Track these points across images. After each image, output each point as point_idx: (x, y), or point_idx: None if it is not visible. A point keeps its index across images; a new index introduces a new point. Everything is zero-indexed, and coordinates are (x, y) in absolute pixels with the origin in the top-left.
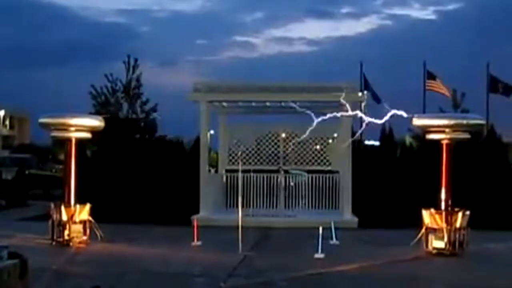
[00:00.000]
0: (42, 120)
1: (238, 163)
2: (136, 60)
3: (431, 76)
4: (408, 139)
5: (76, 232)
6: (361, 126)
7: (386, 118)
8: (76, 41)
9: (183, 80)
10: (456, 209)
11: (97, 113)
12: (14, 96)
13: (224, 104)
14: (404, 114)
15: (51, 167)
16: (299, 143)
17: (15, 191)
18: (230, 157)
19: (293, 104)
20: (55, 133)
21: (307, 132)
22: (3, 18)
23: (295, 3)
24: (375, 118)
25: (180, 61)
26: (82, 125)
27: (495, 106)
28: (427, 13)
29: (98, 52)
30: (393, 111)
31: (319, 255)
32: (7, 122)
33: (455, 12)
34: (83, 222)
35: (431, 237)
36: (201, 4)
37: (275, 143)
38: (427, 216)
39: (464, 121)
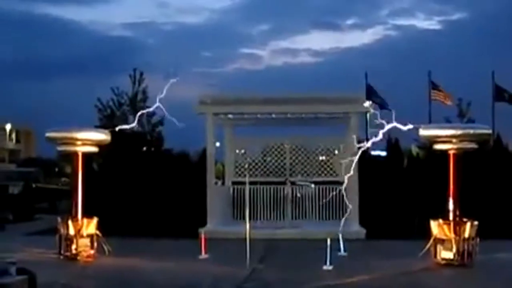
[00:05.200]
0: (48, 134)
1: (245, 175)
2: (141, 74)
3: (435, 86)
4: (414, 149)
5: (83, 246)
6: (366, 135)
7: (384, 130)
8: (83, 55)
9: (189, 92)
10: (464, 219)
11: (103, 126)
12: (21, 110)
13: (230, 116)
14: (402, 127)
15: (57, 180)
16: (305, 154)
17: (22, 205)
18: (237, 169)
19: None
20: (62, 147)
21: None
22: (11, 31)
23: (300, 15)
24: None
25: (186, 73)
26: (88, 139)
27: (501, 115)
28: (432, 23)
29: (105, 66)
30: (393, 124)
31: (328, 267)
32: (14, 136)
33: (460, 22)
34: (91, 236)
35: (439, 247)
36: (208, 16)
37: (281, 155)
38: (435, 227)
39: (471, 131)
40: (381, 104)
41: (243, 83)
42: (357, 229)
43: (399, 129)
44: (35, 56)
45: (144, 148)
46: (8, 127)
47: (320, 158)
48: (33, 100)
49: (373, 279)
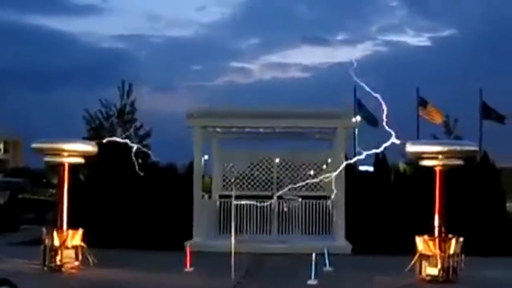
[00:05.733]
0: (34, 145)
1: (232, 188)
2: (130, 86)
3: (423, 103)
4: (401, 165)
5: (68, 258)
6: (354, 150)
7: (385, 145)
8: (74, 66)
9: (178, 106)
10: (449, 236)
11: (90, 138)
12: (10, 120)
13: (218, 129)
14: (397, 141)
15: (44, 191)
16: (292, 168)
17: (8, 216)
18: (224, 183)
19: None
20: (48, 158)
21: None
22: (1, 42)
23: (291, 30)
24: (370, 142)
25: (176, 87)
26: (75, 150)
27: (489, 133)
28: (422, 40)
29: (96, 77)
30: (392, 140)
31: (313, 281)
32: (1, 146)
33: (449, 39)
34: (76, 248)
35: (424, 263)
36: (197, 30)
37: (269, 169)
38: (421, 243)
39: (458, 148)
40: (370, 120)
41: (233, 97)
42: (343, 244)
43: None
44: (26, 67)
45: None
46: None
47: (308, 172)
48: (22, 110)
49: None
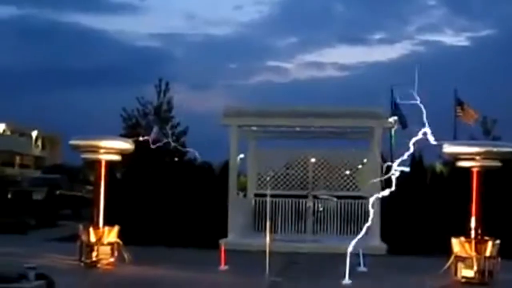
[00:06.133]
0: (72, 142)
1: (267, 187)
2: (167, 84)
3: (461, 103)
4: (438, 166)
5: (104, 254)
6: (391, 150)
7: (415, 139)
8: (110, 64)
9: (215, 104)
10: (486, 238)
11: (127, 135)
12: (48, 117)
13: (254, 128)
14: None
15: (81, 188)
16: (328, 168)
17: (45, 211)
18: (259, 182)
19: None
20: (85, 155)
21: None
22: (40, 40)
23: (328, 29)
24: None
25: (212, 85)
26: (112, 147)
27: None
28: (460, 39)
29: (132, 76)
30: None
31: (347, 281)
32: (39, 143)
33: (488, 38)
34: (111, 244)
35: (460, 265)
36: (235, 28)
37: (304, 168)
38: (457, 245)
39: (495, 149)
40: (402, 122)
41: (269, 96)
42: (378, 245)
43: (423, 146)
44: (62, 65)
45: (167, 159)
46: (34, 134)
47: (344, 172)
48: (59, 107)
49: None
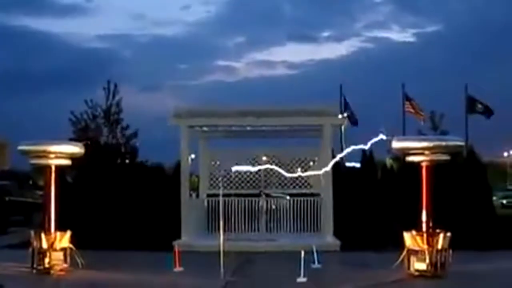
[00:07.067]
0: (21, 147)
1: (219, 187)
2: (116, 86)
3: (409, 99)
4: (388, 161)
5: (56, 260)
6: (341, 148)
7: (372, 142)
8: (58, 67)
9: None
10: (437, 231)
11: (77, 139)
12: None
13: (205, 128)
14: (384, 138)
15: (32, 193)
16: (280, 166)
17: None
18: (211, 181)
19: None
20: (35, 160)
21: None
22: None
23: (276, 28)
24: (354, 140)
25: (163, 86)
26: (61, 152)
27: (475, 127)
28: (407, 35)
29: (81, 78)
30: (380, 137)
31: (302, 279)
32: None
33: (434, 35)
34: (64, 250)
35: (412, 259)
36: (183, 28)
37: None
38: (409, 238)
39: (444, 143)
40: (351, 119)
41: (220, 95)
42: (331, 241)
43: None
44: (10, 68)
45: (118, 161)
46: None
47: (295, 170)
48: (6, 112)
49: None
